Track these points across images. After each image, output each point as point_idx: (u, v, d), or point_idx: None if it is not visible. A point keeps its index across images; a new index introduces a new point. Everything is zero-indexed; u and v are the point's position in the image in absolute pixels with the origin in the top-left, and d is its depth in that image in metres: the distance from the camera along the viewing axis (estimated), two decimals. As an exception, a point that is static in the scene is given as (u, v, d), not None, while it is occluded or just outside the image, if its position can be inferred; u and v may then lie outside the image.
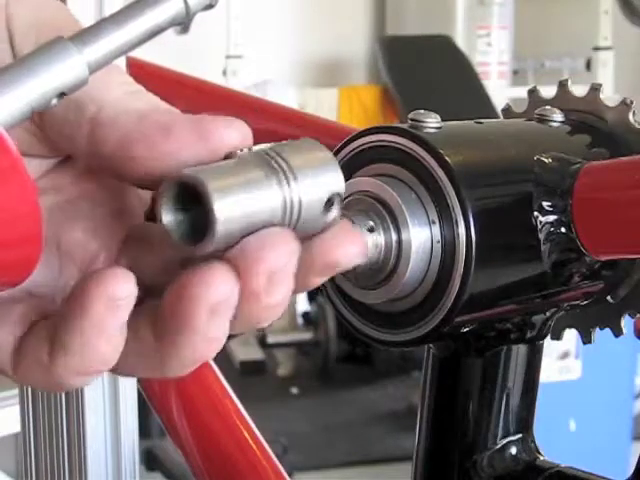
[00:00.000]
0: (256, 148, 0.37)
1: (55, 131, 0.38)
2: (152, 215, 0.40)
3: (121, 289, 0.34)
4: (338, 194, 0.37)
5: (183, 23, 0.38)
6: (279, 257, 0.35)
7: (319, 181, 0.36)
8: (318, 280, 0.37)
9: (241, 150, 0.36)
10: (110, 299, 0.34)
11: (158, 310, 0.35)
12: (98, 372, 0.36)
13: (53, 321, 0.36)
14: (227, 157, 0.36)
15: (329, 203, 0.36)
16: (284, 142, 0.37)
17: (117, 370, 0.37)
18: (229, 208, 0.34)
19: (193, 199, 0.34)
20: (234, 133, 0.36)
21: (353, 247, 0.37)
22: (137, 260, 0.39)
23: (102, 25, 0.36)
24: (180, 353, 0.35)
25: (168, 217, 0.35)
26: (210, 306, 0.34)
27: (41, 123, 0.38)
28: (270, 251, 0.35)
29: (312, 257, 0.36)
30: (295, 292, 0.37)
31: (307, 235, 0.36)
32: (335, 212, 0.37)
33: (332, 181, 0.37)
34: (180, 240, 0.35)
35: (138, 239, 0.40)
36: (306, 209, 0.36)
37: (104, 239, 0.39)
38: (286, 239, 0.35)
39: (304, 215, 0.36)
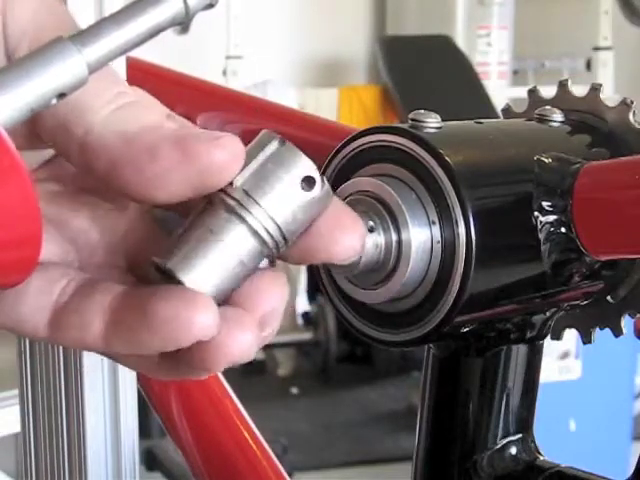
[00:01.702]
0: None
1: (49, 144, 0.38)
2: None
3: (209, 323, 0.35)
4: (308, 176, 0.37)
5: (183, 23, 0.38)
6: (272, 302, 0.37)
7: (293, 199, 0.36)
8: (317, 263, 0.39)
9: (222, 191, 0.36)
10: (196, 337, 0.35)
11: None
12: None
13: (115, 304, 0.36)
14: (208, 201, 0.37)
15: (307, 183, 0.37)
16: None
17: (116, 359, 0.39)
18: (202, 279, 0.36)
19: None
20: (221, 152, 0.35)
21: (352, 241, 0.37)
22: (135, 256, 0.40)
23: (102, 25, 0.36)
24: (187, 376, 0.38)
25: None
26: (232, 359, 0.35)
27: (33, 135, 0.38)
28: (262, 300, 0.37)
29: (312, 250, 0.37)
30: (291, 264, 0.38)
31: (310, 222, 0.37)
32: (317, 190, 0.37)
33: (293, 172, 0.37)
34: None
35: (139, 234, 0.40)
36: (284, 215, 0.36)
37: (106, 232, 0.39)
38: (278, 285, 0.37)
39: (285, 220, 0.36)
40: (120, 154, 0.36)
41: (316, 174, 0.37)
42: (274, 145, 0.37)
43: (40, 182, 0.40)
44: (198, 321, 0.34)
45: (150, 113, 0.37)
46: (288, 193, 0.36)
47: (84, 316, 0.36)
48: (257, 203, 0.36)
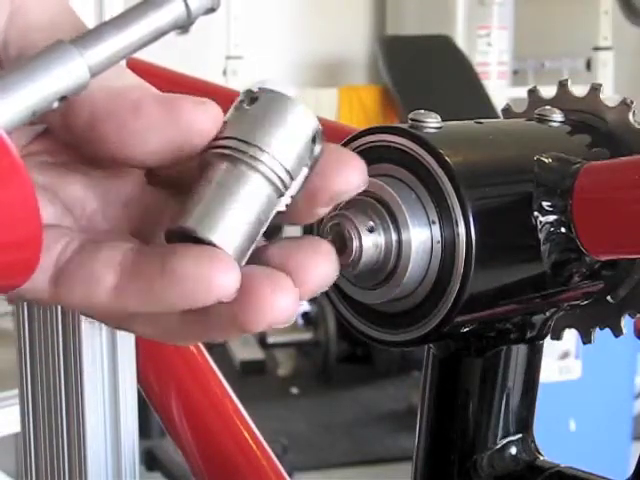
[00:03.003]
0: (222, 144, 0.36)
1: None
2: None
3: (230, 283, 0.34)
4: (316, 129, 0.37)
5: (185, 27, 0.38)
6: (325, 279, 0.37)
7: (292, 138, 0.36)
8: (324, 210, 0.37)
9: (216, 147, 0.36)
10: (218, 295, 0.34)
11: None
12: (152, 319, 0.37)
13: (127, 263, 0.35)
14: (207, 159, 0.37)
15: (312, 141, 0.37)
16: (234, 108, 0.37)
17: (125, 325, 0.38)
18: (227, 235, 0.35)
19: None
20: (204, 116, 0.36)
21: (353, 174, 0.37)
22: (140, 225, 0.39)
23: (103, 28, 0.36)
24: (211, 337, 0.37)
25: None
26: (272, 322, 0.35)
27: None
28: (319, 272, 0.36)
29: (315, 190, 0.37)
30: (301, 222, 0.38)
31: (312, 161, 0.37)
32: (319, 146, 0.37)
33: (302, 124, 0.37)
34: None
35: (142, 203, 0.40)
36: (293, 164, 0.36)
37: (102, 199, 0.39)
38: (329, 260, 0.37)
39: (296, 172, 0.36)
40: (103, 108, 0.36)
41: (317, 127, 0.37)
42: (261, 96, 0.37)
43: (33, 155, 0.39)
44: (220, 280, 0.34)
45: (133, 75, 0.38)
46: (307, 160, 0.37)
47: (93, 270, 0.35)
48: (250, 144, 0.36)
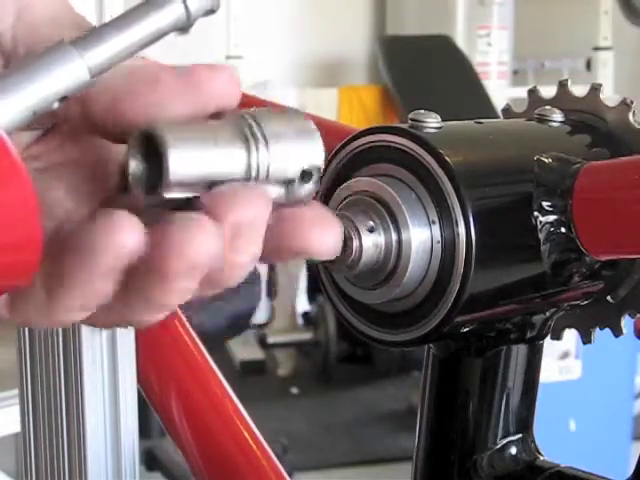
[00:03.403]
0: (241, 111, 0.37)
1: None
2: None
3: (131, 238, 0.34)
4: (316, 167, 0.37)
5: (185, 28, 0.38)
6: (246, 212, 0.35)
7: (293, 149, 0.37)
8: (288, 259, 0.37)
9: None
10: (121, 249, 0.34)
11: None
12: (96, 307, 0.36)
13: (48, 265, 0.35)
14: (212, 117, 0.37)
15: (306, 175, 0.37)
16: (267, 108, 0.38)
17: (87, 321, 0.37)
18: (184, 160, 0.35)
19: (156, 151, 0.35)
20: (221, 81, 0.37)
21: (329, 237, 0.37)
22: None
23: (104, 29, 0.36)
24: (149, 301, 0.36)
25: (133, 166, 0.36)
26: (191, 262, 0.34)
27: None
28: (237, 205, 0.35)
29: (284, 238, 0.37)
30: (262, 262, 0.37)
31: (280, 202, 0.37)
32: (311, 186, 0.37)
33: (309, 152, 0.37)
34: (141, 189, 0.35)
35: (115, 202, 0.40)
36: (276, 176, 0.36)
37: (83, 199, 0.39)
38: (258, 195, 0.35)
39: (273, 179, 0.36)
40: (122, 85, 0.36)
41: (318, 167, 0.37)
42: (300, 118, 0.38)
43: (28, 160, 0.40)
44: (118, 235, 0.33)
45: (150, 60, 0.38)
46: (291, 150, 0.37)
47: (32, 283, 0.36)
48: (264, 136, 0.36)
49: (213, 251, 0.34)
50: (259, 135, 0.36)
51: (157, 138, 0.35)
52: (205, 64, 0.37)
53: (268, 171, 0.36)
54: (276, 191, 0.37)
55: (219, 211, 0.35)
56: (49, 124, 0.40)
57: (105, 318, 0.37)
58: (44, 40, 0.37)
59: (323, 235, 0.37)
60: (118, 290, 0.35)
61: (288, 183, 0.37)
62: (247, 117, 0.37)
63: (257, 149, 0.36)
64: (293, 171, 0.37)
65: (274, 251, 0.37)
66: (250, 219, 0.35)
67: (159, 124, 0.35)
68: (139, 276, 0.35)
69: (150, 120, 0.36)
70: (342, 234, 0.38)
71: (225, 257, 0.35)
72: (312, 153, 0.37)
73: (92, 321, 0.38)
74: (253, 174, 0.36)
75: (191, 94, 0.36)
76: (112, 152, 0.40)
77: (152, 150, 0.35)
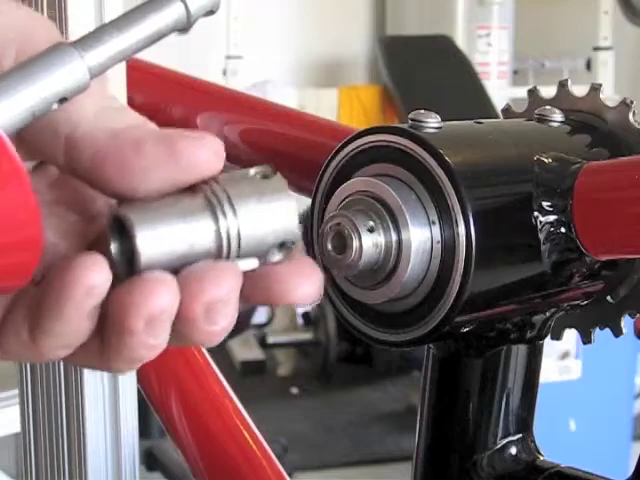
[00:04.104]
0: (221, 176, 0.37)
1: (32, 146, 0.38)
2: None
3: (99, 277, 0.35)
4: (291, 235, 0.37)
5: (185, 29, 0.38)
6: (219, 291, 0.36)
7: (264, 215, 0.36)
8: (266, 305, 0.39)
9: (207, 182, 0.37)
10: (90, 287, 0.35)
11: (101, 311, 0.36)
12: (77, 344, 0.37)
13: (30, 304, 0.37)
14: (190, 188, 0.37)
15: (282, 246, 0.37)
16: (237, 172, 0.37)
17: (70, 359, 0.39)
18: (152, 241, 0.35)
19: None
20: (205, 152, 0.36)
21: (308, 288, 0.37)
22: None
23: (103, 30, 0.36)
24: (120, 353, 0.37)
25: (113, 247, 0.36)
26: (148, 315, 0.35)
27: (18, 135, 0.38)
28: (210, 284, 0.36)
29: (261, 292, 0.37)
30: (242, 309, 0.38)
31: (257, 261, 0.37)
32: (279, 256, 0.37)
33: (280, 225, 0.37)
34: (121, 269, 0.36)
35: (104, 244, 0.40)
36: (249, 246, 0.36)
37: (73, 241, 0.40)
38: (227, 274, 0.36)
39: (245, 252, 0.36)
40: (106, 148, 0.37)
41: (293, 235, 0.37)
42: (272, 178, 0.37)
43: None
44: (86, 273, 0.35)
45: (135, 115, 0.38)
46: (263, 221, 0.36)
47: (14, 320, 0.37)
48: (233, 208, 0.36)
49: (167, 306, 0.35)
50: (226, 204, 0.36)
51: (125, 221, 0.36)
52: (189, 134, 0.37)
53: (239, 240, 0.36)
54: (250, 264, 0.37)
55: (192, 291, 0.36)
56: (37, 160, 0.40)
57: (87, 362, 0.39)
58: None
59: (301, 287, 0.37)
60: (94, 337, 0.37)
61: (263, 255, 0.37)
62: (214, 185, 0.36)
63: (225, 217, 0.36)
64: (266, 242, 0.37)
65: (252, 298, 0.38)
66: (222, 296, 0.36)
67: (127, 206, 0.36)
68: (108, 328, 0.37)
69: (139, 186, 0.36)
70: (321, 281, 0.38)
71: (201, 327, 0.36)
72: (286, 220, 0.37)
73: (76, 363, 0.40)
74: (224, 244, 0.36)
75: (174, 165, 0.36)
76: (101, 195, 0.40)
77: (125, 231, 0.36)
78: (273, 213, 0.37)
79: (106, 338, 0.37)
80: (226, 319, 0.37)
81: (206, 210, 0.36)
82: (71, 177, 0.39)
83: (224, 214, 0.36)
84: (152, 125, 0.38)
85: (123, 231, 0.36)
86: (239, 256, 0.37)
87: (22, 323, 0.37)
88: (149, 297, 0.35)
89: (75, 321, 0.36)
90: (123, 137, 0.37)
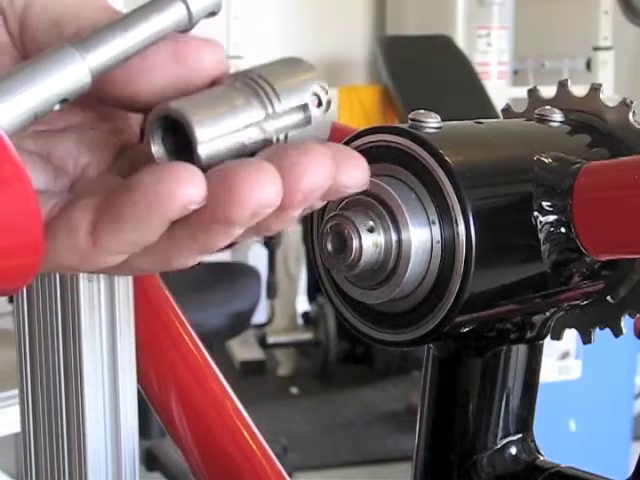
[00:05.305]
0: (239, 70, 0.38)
1: (37, 47, 0.38)
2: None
3: (197, 191, 0.33)
4: (320, 87, 0.38)
5: (186, 30, 0.38)
6: (319, 178, 0.35)
7: (297, 82, 0.37)
8: (321, 203, 0.37)
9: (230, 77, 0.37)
10: (188, 202, 0.33)
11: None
12: (144, 246, 0.35)
13: (96, 204, 0.35)
14: (214, 82, 0.37)
15: (317, 97, 0.38)
16: (265, 64, 0.38)
17: (121, 264, 0.37)
18: (211, 136, 0.35)
19: (178, 126, 0.35)
20: (210, 55, 0.37)
21: (357, 171, 0.37)
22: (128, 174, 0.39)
23: (105, 31, 0.36)
24: (193, 247, 0.35)
25: (156, 148, 0.36)
26: (253, 209, 0.33)
27: (23, 47, 0.38)
28: (312, 171, 0.34)
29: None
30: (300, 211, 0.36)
31: (304, 132, 0.37)
32: (325, 110, 0.38)
33: (309, 81, 0.38)
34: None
35: (131, 155, 0.40)
36: (290, 106, 0.37)
37: (95, 153, 0.40)
38: (326, 159, 0.35)
39: (289, 111, 0.37)
40: None
41: (324, 94, 0.38)
42: (291, 58, 0.39)
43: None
44: (182, 187, 0.33)
45: None
46: (300, 101, 0.37)
47: (70, 217, 0.35)
48: (276, 94, 0.37)
49: (274, 199, 0.34)
50: (265, 85, 0.37)
51: (181, 120, 0.35)
52: (194, 36, 0.37)
53: (281, 107, 0.37)
54: (295, 118, 0.37)
55: (296, 176, 0.34)
56: None
57: (144, 261, 0.37)
58: (61, 18, 0.38)
59: (349, 172, 0.36)
60: (161, 237, 0.35)
61: (303, 109, 0.37)
62: (248, 74, 0.37)
63: (267, 94, 0.37)
64: (303, 97, 0.37)
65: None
66: (320, 187, 0.35)
67: (175, 103, 0.35)
68: (193, 222, 0.35)
69: (148, 88, 0.36)
70: (366, 167, 0.38)
71: (288, 214, 0.35)
72: (310, 81, 0.38)
73: (129, 265, 0.37)
74: (274, 133, 0.37)
75: (178, 65, 0.37)
76: (118, 116, 0.40)
77: (173, 125, 0.35)
78: (299, 75, 0.38)
79: (186, 230, 0.35)
80: (309, 204, 0.35)
81: (249, 92, 0.36)
82: (82, 102, 0.39)
83: (271, 104, 0.36)
84: None
85: (168, 130, 0.35)
86: (287, 136, 0.37)
87: (80, 222, 0.35)
88: (256, 188, 0.33)
89: (156, 229, 0.34)
90: None
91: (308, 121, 0.37)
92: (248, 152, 0.36)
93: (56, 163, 0.39)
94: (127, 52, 0.37)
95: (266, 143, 0.37)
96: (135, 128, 0.41)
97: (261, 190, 0.33)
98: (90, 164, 0.40)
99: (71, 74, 0.35)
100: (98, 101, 0.38)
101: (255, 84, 0.37)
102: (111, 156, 0.40)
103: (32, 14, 0.38)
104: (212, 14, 0.39)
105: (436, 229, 0.47)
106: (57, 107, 0.36)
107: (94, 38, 0.36)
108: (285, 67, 0.38)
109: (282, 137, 0.37)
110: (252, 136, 0.36)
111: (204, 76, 0.37)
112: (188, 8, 0.37)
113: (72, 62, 0.35)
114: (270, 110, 0.37)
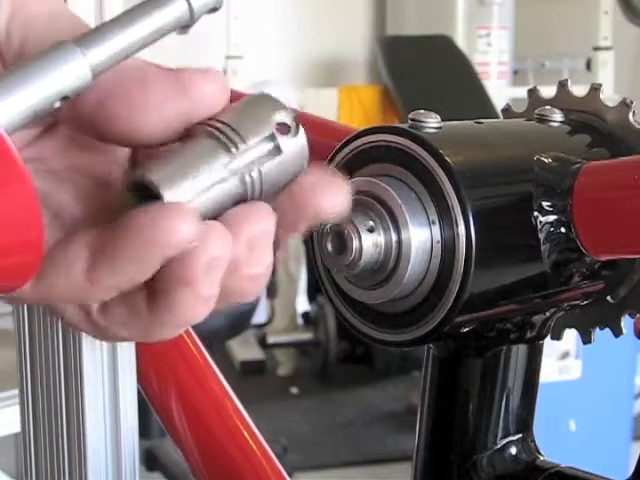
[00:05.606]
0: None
1: None
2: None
3: (189, 228, 0.34)
4: (285, 115, 0.38)
5: (187, 26, 0.38)
6: (259, 224, 0.36)
7: (257, 119, 0.37)
8: (306, 227, 0.38)
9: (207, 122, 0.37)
10: (182, 239, 0.34)
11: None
12: (130, 286, 0.36)
13: (93, 243, 0.36)
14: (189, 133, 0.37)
15: (281, 126, 0.37)
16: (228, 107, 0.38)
17: (104, 332, 0.38)
18: (179, 195, 0.35)
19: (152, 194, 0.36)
20: (211, 86, 0.37)
21: (336, 197, 0.37)
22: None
23: (106, 28, 0.36)
24: (174, 312, 0.36)
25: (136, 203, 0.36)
26: (207, 261, 0.35)
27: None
28: (252, 219, 0.36)
29: (304, 203, 0.37)
30: (282, 238, 0.38)
31: (289, 175, 0.37)
32: (295, 137, 0.37)
33: (271, 111, 0.37)
34: None
35: (119, 210, 0.40)
36: (254, 140, 0.37)
37: (88, 207, 0.40)
38: (266, 210, 0.36)
39: (259, 157, 0.37)
40: (111, 85, 0.37)
41: (290, 121, 0.38)
42: (253, 95, 0.38)
43: (25, 161, 0.40)
44: (178, 225, 0.34)
45: (139, 59, 0.38)
46: (265, 133, 0.37)
47: (66, 254, 0.36)
48: (239, 135, 0.37)
49: (226, 252, 0.35)
50: (232, 135, 0.36)
51: (148, 184, 0.35)
52: (195, 68, 0.37)
53: (245, 145, 0.37)
54: (263, 150, 0.37)
55: (235, 228, 0.36)
56: (45, 123, 0.39)
57: (127, 333, 0.38)
58: (39, 36, 0.37)
59: (330, 198, 0.37)
60: (149, 300, 0.37)
61: (270, 139, 0.37)
62: (212, 123, 0.37)
63: (237, 148, 0.36)
64: (267, 128, 0.37)
65: (289, 226, 0.38)
66: (264, 231, 0.36)
67: (145, 169, 0.36)
68: (164, 279, 0.36)
69: (150, 123, 0.36)
70: (348, 191, 0.38)
71: (242, 272, 0.36)
72: (273, 114, 0.37)
73: (112, 333, 0.39)
74: (234, 153, 0.37)
75: (180, 97, 0.36)
76: (114, 157, 0.40)
77: (149, 191, 0.36)
78: (260, 109, 0.37)
79: (154, 300, 0.36)
80: (266, 260, 0.37)
81: (214, 144, 0.36)
82: (81, 139, 0.39)
83: (235, 145, 0.36)
84: (155, 64, 0.38)
85: (145, 194, 0.36)
86: (260, 173, 0.37)
87: (77, 260, 0.36)
88: (207, 243, 0.35)
89: (151, 266, 0.35)
90: (128, 73, 0.37)
91: (278, 150, 0.37)
92: (232, 198, 0.37)
93: (54, 208, 0.39)
94: (129, 49, 0.36)
95: (244, 182, 0.37)
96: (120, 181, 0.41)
97: (211, 242, 0.35)
98: (84, 216, 0.40)
99: (72, 71, 0.35)
100: (98, 138, 0.38)
101: (218, 132, 0.36)
102: (104, 211, 0.40)
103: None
104: (213, 10, 0.38)
105: (436, 229, 0.47)
106: (57, 104, 0.35)
107: (95, 35, 0.36)
108: (246, 106, 0.38)
109: (255, 173, 0.37)
110: (227, 184, 0.36)
111: (207, 108, 0.37)
112: (189, 4, 0.37)
113: (73, 59, 0.35)
114: (234, 150, 0.36)
